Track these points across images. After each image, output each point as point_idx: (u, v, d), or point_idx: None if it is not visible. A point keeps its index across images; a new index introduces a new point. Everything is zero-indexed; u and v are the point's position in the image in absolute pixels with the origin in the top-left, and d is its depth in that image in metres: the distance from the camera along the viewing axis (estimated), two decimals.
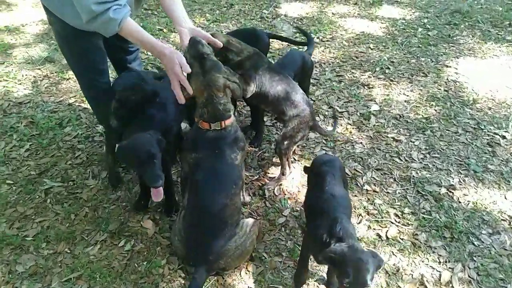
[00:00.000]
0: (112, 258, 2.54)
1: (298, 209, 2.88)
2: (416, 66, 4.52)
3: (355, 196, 2.98)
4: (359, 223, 2.79)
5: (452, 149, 3.40)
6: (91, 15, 2.14)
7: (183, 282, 2.41)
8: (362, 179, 3.12)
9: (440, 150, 3.39)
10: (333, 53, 4.77)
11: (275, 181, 3.05)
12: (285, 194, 3.01)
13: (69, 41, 2.68)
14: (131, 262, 2.53)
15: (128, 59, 3.12)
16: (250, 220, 2.45)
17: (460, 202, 2.94)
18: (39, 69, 4.32)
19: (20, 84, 4.11)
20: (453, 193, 3.01)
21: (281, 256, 2.58)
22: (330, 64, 4.57)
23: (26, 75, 4.24)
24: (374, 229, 2.75)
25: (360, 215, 2.85)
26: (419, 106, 3.90)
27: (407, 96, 4.05)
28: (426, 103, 3.94)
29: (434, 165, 3.26)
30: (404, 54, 4.76)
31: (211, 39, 2.42)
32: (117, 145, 2.41)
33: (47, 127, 3.55)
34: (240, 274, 2.46)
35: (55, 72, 4.23)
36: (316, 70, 4.43)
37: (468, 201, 2.95)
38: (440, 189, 3.04)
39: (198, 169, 2.36)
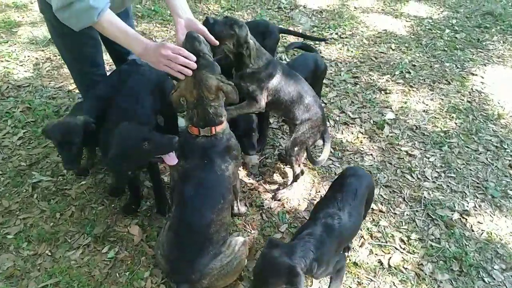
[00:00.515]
0: (93, 265, 2.40)
1: (296, 225, 2.68)
2: (439, 71, 4.21)
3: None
4: (360, 246, 2.58)
5: (470, 169, 3.14)
6: (66, 1, 1.93)
7: None
8: None
9: (456, 169, 3.14)
10: (351, 51, 4.49)
11: (288, 189, 2.87)
12: (283, 207, 2.81)
13: (61, 31, 2.49)
14: (113, 271, 2.38)
15: (128, 50, 2.93)
16: (240, 239, 2.26)
17: (473, 231, 2.70)
18: (42, 50, 4.16)
19: (22, 65, 3.97)
20: (466, 219, 2.77)
21: None
22: (346, 63, 4.29)
23: (28, 56, 4.08)
24: (376, 254, 2.54)
25: (362, 237, 2.64)
26: (438, 118, 3.62)
27: (426, 105, 3.77)
28: (446, 114, 3.66)
29: (448, 185, 3.01)
30: (428, 57, 4.44)
31: (207, 36, 2.19)
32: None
33: (43, 115, 3.40)
34: None
35: (58, 55, 4.05)
36: (331, 70, 4.17)
37: (482, 230, 2.71)
38: (452, 214, 2.80)
39: (185, 179, 2.18)
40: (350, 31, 4.87)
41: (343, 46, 4.58)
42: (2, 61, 4.00)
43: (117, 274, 2.37)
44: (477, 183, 3.04)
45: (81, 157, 2.54)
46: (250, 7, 5.24)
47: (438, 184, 3.02)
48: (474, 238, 2.65)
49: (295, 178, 2.85)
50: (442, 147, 3.32)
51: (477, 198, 2.93)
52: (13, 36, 4.35)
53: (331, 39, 4.70)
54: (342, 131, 3.43)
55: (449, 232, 2.67)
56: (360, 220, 2.29)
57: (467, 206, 2.86)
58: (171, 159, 2.17)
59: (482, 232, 2.69)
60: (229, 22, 2.30)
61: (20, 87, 3.71)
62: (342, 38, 4.74)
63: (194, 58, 2.01)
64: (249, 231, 2.65)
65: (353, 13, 5.24)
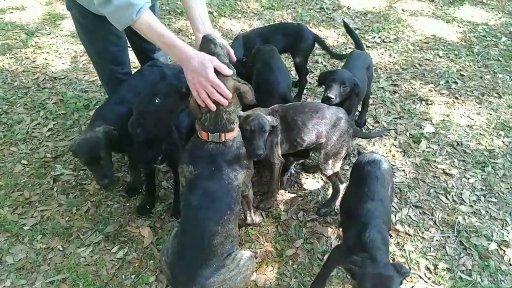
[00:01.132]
0: (101, 264, 2.38)
1: (313, 241, 2.53)
2: (490, 83, 3.86)
3: None
4: None
5: None
6: None
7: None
8: (395, 216, 2.68)
9: (499, 194, 2.83)
10: (394, 57, 4.22)
11: (331, 201, 2.70)
12: (300, 221, 2.66)
13: (87, 28, 2.49)
14: (120, 272, 2.35)
15: (153, 48, 2.89)
16: (246, 253, 2.14)
17: (511, 265, 2.42)
18: (81, 44, 4.24)
19: (60, 58, 4.07)
20: (504, 251, 2.49)
21: None
22: (387, 70, 4.04)
23: (67, 49, 4.19)
24: None
25: None
26: (483, 134, 3.30)
27: (472, 119, 3.45)
28: (494, 131, 3.33)
29: (487, 211, 2.72)
30: (479, 67, 4.08)
31: (227, 49, 2.09)
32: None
33: (73, 108, 3.46)
34: None
35: None
36: None
37: None
38: (489, 244, 2.52)
39: (191, 186, 2.09)
40: (395, 35, 4.59)
41: (385, 51, 4.32)
42: (43, 52, 4.13)
43: (123, 276, 2.33)
44: None
45: (112, 170, 2.45)
46: (291, 6, 5.08)
47: (476, 209, 2.74)
48: (511, 273, 2.37)
49: (335, 191, 2.68)
50: (485, 167, 3.02)
51: None
52: (56, 29, 4.48)
53: (373, 43, 4.45)
54: (373, 143, 3.21)
55: (483, 264, 2.41)
56: (389, 202, 2.22)
57: (507, 236, 2.57)
58: None
59: None
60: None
61: (56, 79, 3.80)
62: (385, 42, 4.47)
63: (230, 95, 1.95)
64: (262, 243, 2.53)
65: (400, 16, 4.94)
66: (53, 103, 3.52)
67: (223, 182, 2.07)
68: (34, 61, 4.00)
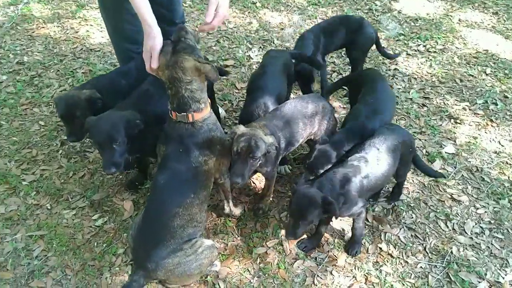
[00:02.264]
0: (79, 228, 2.49)
1: (284, 245, 2.44)
2: None
3: (361, 252, 2.41)
4: (349, 287, 2.25)
5: None
6: None
7: (126, 279, 2.24)
8: (383, 235, 2.51)
9: (508, 231, 2.55)
10: (434, 68, 3.93)
11: None
12: (280, 222, 2.58)
13: (105, 4, 2.60)
14: (94, 239, 2.44)
15: (170, 31, 2.93)
16: (207, 242, 2.13)
17: None
18: None
19: (101, 31, 4.28)
20: None
21: None
22: (422, 81, 3.77)
23: None
24: None
25: (354, 277, 2.30)
26: (510, 164, 2.98)
27: (501, 146, 3.13)
28: None
29: (488, 247, 2.46)
30: None
31: (208, 29, 2.09)
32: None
33: None
34: None
35: None
36: (400, 85, 3.71)
37: None
38: (479, 283, 2.28)
39: (160, 165, 2.12)
40: (443, 45, 4.27)
41: (426, 60, 4.03)
42: (87, 24, 4.37)
43: (95, 243, 2.42)
44: None
45: (82, 132, 2.41)
46: (338, 4, 4.90)
47: (476, 242, 2.48)
48: None
49: None
50: (501, 200, 2.72)
51: None
52: None
53: (415, 51, 4.17)
54: None
55: None
56: (389, 171, 2.30)
57: (503, 278, 2.30)
58: None
59: None
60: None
61: (91, 51, 4.01)
62: (429, 52, 4.17)
63: (154, 65, 1.97)
64: (236, 236, 2.50)
65: (454, 26, 4.58)
66: (82, 72, 3.72)
67: (190, 165, 2.06)
68: (77, 32, 4.25)
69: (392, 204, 2.68)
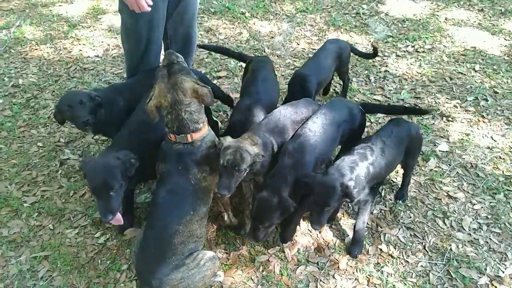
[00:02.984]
0: (83, 247, 2.51)
1: (285, 251, 2.48)
2: None
3: (362, 254, 2.45)
4: None
5: None
6: None
7: None
8: (383, 236, 2.55)
9: (505, 225, 2.59)
10: (423, 68, 3.99)
11: None
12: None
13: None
14: (97, 257, 2.47)
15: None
16: (209, 254, 2.16)
17: None
18: (115, 38, 4.49)
19: (94, 50, 4.33)
20: (496, 287, 2.28)
21: None
22: (412, 81, 3.83)
23: (102, 42, 4.44)
24: None
25: (356, 279, 2.33)
26: (504, 159, 3.03)
27: (494, 141, 3.18)
28: None
29: (487, 242, 2.50)
30: None
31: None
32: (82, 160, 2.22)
33: None
34: None
35: None
36: (391, 86, 3.76)
37: None
38: (480, 278, 2.32)
39: (160, 183, 2.15)
40: (431, 45, 4.34)
41: (415, 61, 4.10)
42: (80, 44, 4.42)
43: (99, 261, 2.44)
44: None
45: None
46: (326, 10, 4.99)
47: (474, 238, 2.53)
48: None
49: None
50: (496, 194, 2.77)
51: None
52: (96, 23, 4.77)
53: (404, 51, 4.24)
54: None
55: None
56: (393, 161, 2.48)
57: (503, 272, 2.34)
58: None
59: None
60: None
61: (85, 70, 4.06)
62: (418, 52, 4.24)
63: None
64: (238, 246, 2.52)
65: (441, 25, 4.66)
66: None
67: (189, 182, 2.10)
68: (70, 52, 4.29)
69: (391, 204, 2.72)
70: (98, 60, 4.17)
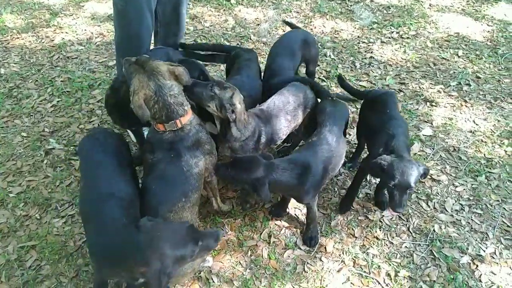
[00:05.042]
0: (70, 235, 2.51)
1: (276, 234, 2.51)
2: (507, 88, 3.60)
3: (348, 237, 2.50)
4: (338, 271, 2.34)
5: (504, 208, 2.65)
6: None
7: (121, 282, 2.28)
8: (368, 219, 2.60)
9: (486, 206, 2.67)
10: (408, 54, 4.03)
11: None
12: (269, 214, 2.64)
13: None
14: (85, 245, 2.46)
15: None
16: None
17: (480, 281, 2.28)
18: (98, 26, 4.43)
19: (76, 38, 4.26)
20: (477, 266, 2.35)
21: (231, 284, 2.28)
22: (397, 67, 3.87)
23: (85, 30, 4.38)
24: (353, 284, 2.28)
25: (343, 261, 2.38)
26: (485, 142, 3.10)
27: (476, 125, 3.25)
28: (498, 139, 3.12)
29: (469, 223, 2.58)
30: (499, 69, 3.82)
31: None
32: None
33: (78, 86, 3.62)
34: None
35: (111, 32, 4.29)
36: (376, 72, 3.80)
37: (492, 283, 2.27)
38: (462, 257, 2.39)
39: (150, 171, 2.13)
40: (415, 31, 4.38)
41: (400, 47, 4.14)
42: (62, 32, 4.35)
43: (87, 249, 2.45)
44: (508, 226, 2.55)
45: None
46: None
47: (457, 219, 2.59)
48: None
49: None
50: (478, 176, 2.84)
51: (501, 244, 2.46)
52: (78, 10, 4.69)
53: (389, 38, 4.27)
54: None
55: (449, 277, 2.29)
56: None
57: (484, 251, 2.41)
58: None
59: (492, 286, 2.26)
60: (210, 84, 2.16)
61: (69, 58, 4.00)
62: (403, 38, 4.28)
63: None
64: (226, 231, 2.55)
65: (425, 11, 4.70)
66: (61, 81, 3.71)
67: (181, 169, 2.09)
68: (52, 40, 4.22)
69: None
70: (82, 49, 4.12)
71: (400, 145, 2.25)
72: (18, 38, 4.26)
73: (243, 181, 2.13)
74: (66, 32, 4.34)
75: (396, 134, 2.30)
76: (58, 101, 3.50)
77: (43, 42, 4.19)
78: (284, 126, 2.49)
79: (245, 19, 4.57)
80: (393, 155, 2.19)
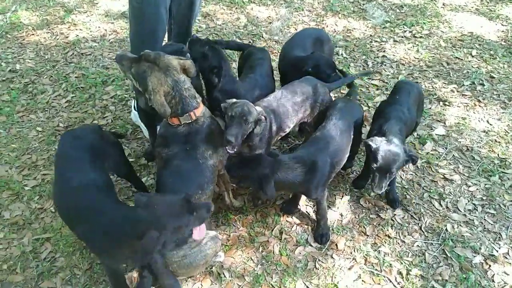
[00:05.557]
0: None
1: (287, 231, 2.52)
2: None
3: (360, 235, 2.50)
4: (349, 269, 2.34)
5: None
6: None
7: (135, 275, 2.31)
8: (380, 217, 2.59)
9: (499, 206, 2.65)
10: (421, 53, 4.01)
11: None
12: (280, 210, 2.65)
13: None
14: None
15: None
16: (211, 233, 2.20)
17: (493, 281, 2.26)
18: (112, 23, 4.47)
19: (90, 35, 4.31)
20: (490, 266, 2.33)
21: (243, 279, 2.30)
22: (410, 66, 3.85)
23: (99, 27, 4.42)
24: (364, 282, 2.28)
25: (354, 259, 2.38)
26: (499, 142, 3.08)
27: (490, 125, 3.22)
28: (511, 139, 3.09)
29: (482, 222, 2.56)
30: None
31: None
32: None
33: (92, 82, 3.66)
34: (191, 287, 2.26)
35: (124, 29, 4.33)
36: (389, 71, 3.78)
37: (505, 283, 2.26)
38: (474, 257, 2.37)
39: (166, 165, 2.15)
40: (428, 30, 4.35)
41: (413, 46, 4.12)
42: (76, 29, 4.39)
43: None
44: None
45: None
46: None
47: (469, 219, 2.58)
48: None
49: None
50: (492, 176, 2.82)
51: None
52: (92, 8, 4.73)
53: (402, 37, 4.25)
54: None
55: (461, 276, 2.28)
56: (415, 113, 2.63)
57: (497, 251, 2.40)
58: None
59: (505, 286, 2.24)
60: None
61: (83, 55, 4.04)
62: (416, 37, 4.26)
63: None
64: (238, 227, 2.56)
65: (438, 11, 4.67)
66: (75, 77, 3.75)
67: (197, 162, 2.11)
68: (67, 37, 4.27)
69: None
70: (95, 46, 4.16)
71: (392, 129, 2.32)
72: (33, 34, 4.31)
73: (249, 178, 2.14)
74: (80, 29, 4.39)
75: (390, 117, 2.40)
76: (72, 97, 3.55)
77: (57, 39, 4.24)
78: (292, 115, 2.51)
79: (257, 17, 4.58)
80: (384, 138, 2.27)
